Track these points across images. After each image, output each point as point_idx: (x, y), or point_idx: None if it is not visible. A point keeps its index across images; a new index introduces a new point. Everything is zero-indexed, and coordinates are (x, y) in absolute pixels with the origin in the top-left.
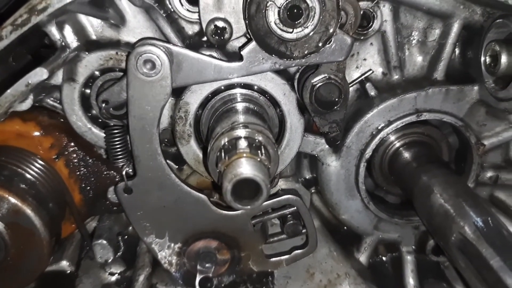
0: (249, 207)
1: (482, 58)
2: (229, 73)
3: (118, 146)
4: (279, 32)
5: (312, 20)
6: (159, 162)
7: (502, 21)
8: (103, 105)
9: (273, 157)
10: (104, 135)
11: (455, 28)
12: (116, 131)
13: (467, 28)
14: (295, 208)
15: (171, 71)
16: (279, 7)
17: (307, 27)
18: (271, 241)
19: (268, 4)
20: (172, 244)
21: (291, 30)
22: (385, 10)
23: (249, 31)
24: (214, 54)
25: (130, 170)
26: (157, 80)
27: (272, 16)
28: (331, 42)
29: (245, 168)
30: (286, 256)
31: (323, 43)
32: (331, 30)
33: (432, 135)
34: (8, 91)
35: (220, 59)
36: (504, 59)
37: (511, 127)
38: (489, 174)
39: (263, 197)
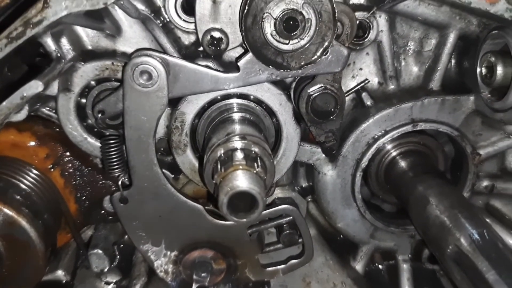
0: (245, 220)
1: (478, 69)
2: (225, 84)
3: (114, 156)
4: (275, 43)
5: (308, 32)
6: (155, 172)
7: (497, 33)
8: (99, 115)
9: (269, 169)
10: (99, 145)
11: (451, 38)
12: (112, 141)
13: (463, 38)
14: (291, 217)
15: (168, 82)
16: (275, 19)
17: (303, 39)
18: (267, 251)
19: (264, 16)
20: (168, 253)
21: (287, 41)
22: (381, 21)
23: (245, 42)
24: (211, 64)
25: (126, 180)
26: (153, 91)
27: (268, 28)
28: (328, 54)
29: (241, 181)
30: (283, 266)
31: (320, 54)
32: (327, 41)
33: (428, 145)
34: (4, 103)
35: (217, 70)
36: (499, 70)
37: (506, 137)
38: (485, 183)
39: (259, 210)
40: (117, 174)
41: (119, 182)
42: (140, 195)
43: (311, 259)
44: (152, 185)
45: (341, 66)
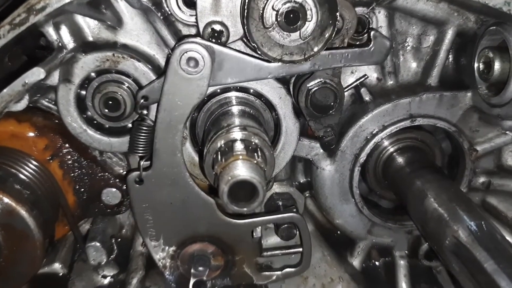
0: (245, 209)
1: (476, 65)
2: (268, 73)
3: (142, 137)
4: (276, 36)
5: (309, 25)
6: (178, 159)
7: (495, 29)
8: (142, 101)
9: (269, 160)
10: (99, 136)
11: (449, 35)
12: (145, 123)
13: (461, 35)
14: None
15: (212, 71)
16: (276, 11)
17: (304, 32)
18: (265, 255)
19: (265, 9)
20: (167, 247)
21: (288, 34)
22: (380, 16)
23: (246, 35)
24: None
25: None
26: (196, 79)
27: (270, 20)
28: (371, 45)
29: (242, 170)
30: (278, 272)
31: (320, 48)
32: (327, 35)
33: (426, 141)
34: (5, 90)
35: (261, 59)
36: (497, 65)
37: (503, 133)
38: (482, 179)
39: (259, 199)
40: (140, 155)
41: (141, 163)
42: (158, 179)
43: (307, 269)
44: (172, 171)
45: (384, 57)
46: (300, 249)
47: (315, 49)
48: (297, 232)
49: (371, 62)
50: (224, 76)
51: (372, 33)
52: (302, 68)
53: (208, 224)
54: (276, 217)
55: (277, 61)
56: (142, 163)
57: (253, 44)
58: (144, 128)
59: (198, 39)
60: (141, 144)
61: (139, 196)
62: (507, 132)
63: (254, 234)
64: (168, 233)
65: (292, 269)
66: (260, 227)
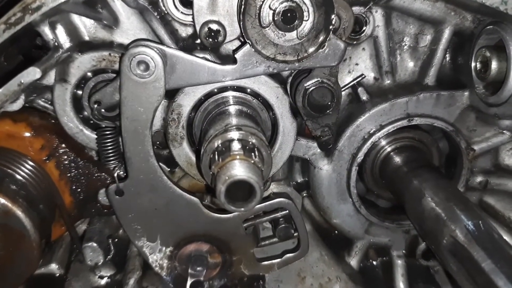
0: (242, 209)
1: (473, 64)
2: (222, 76)
3: (110, 147)
4: (273, 36)
5: (306, 24)
6: (151, 164)
7: (492, 28)
8: (95, 106)
9: (266, 160)
10: (95, 136)
11: (446, 34)
12: (108, 132)
13: (458, 34)
14: (287, 211)
15: (165, 73)
16: (273, 11)
17: (300, 31)
18: (262, 245)
19: (262, 8)
20: (164, 248)
21: (285, 33)
22: (378, 16)
23: (243, 34)
24: (208, 56)
25: (122, 172)
26: (150, 82)
27: (266, 20)
28: (325, 47)
29: (239, 170)
30: (278, 260)
31: (316, 47)
32: (324, 35)
33: (423, 140)
34: (0, 90)
35: (214, 62)
36: (494, 65)
37: (500, 132)
38: (479, 179)
39: (256, 199)
40: (113, 166)
41: (115, 174)
42: (136, 188)
43: (306, 253)
44: (148, 177)
45: (338, 60)
46: (296, 234)
47: (310, 50)
48: (294, 231)
49: (326, 65)
50: (177, 79)
51: None
52: (256, 70)
53: (197, 223)
54: (264, 205)
55: (270, 60)
56: (116, 174)
57: (248, 41)
58: (109, 136)
59: (145, 42)
60: (111, 154)
61: (123, 207)
62: (504, 131)
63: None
64: (160, 237)
65: (292, 254)
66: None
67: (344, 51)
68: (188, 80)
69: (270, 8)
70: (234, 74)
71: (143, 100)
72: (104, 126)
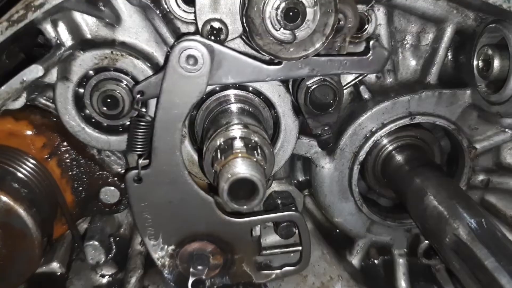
0: (245, 207)
1: (475, 62)
2: (267, 75)
3: (140, 135)
4: (276, 33)
5: (309, 22)
6: (177, 157)
7: (494, 26)
8: (138, 96)
9: (268, 158)
10: (97, 135)
11: (448, 32)
12: (143, 120)
13: (460, 32)
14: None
15: (211, 69)
16: (276, 9)
17: (303, 29)
18: (264, 254)
19: (265, 6)
20: (166, 246)
21: (288, 31)
22: (380, 14)
23: (245, 32)
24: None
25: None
26: (195, 77)
27: (269, 18)
28: (370, 55)
29: (242, 168)
30: (277, 271)
31: (319, 46)
32: (327, 33)
33: (425, 139)
34: (2, 88)
35: (261, 60)
36: (496, 63)
37: (502, 131)
38: (481, 177)
39: (259, 197)
40: (139, 153)
41: (139, 161)
42: (156, 177)
43: (306, 268)
44: (171, 169)
45: (382, 66)
46: (299, 248)
47: (312, 49)
48: (296, 230)
49: (369, 71)
50: (222, 76)
51: (371, 42)
52: (300, 72)
53: (207, 222)
54: (275, 215)
55: (273, 57)
56: (140, 161)
57: (251, 40)
58: (142, 125)
59: (198, 37)
60: (140, 142)
61: (138, 195)
62: (506, 130)
63: (253, 232)
64: (167, 231)
65: (291, 268)
66: (259, 225)
67: (387, 59)
68: (233, 77)
69: (273, 5)
70: (278, 74)
71: (183, 94)
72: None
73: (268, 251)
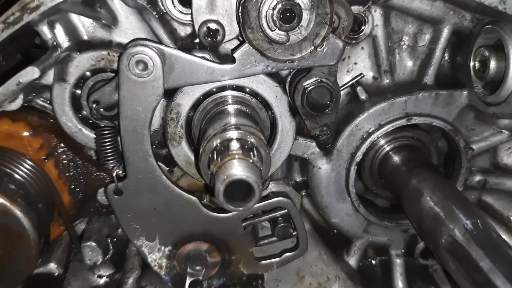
0: (241, 208)
1: (471, 63)
2: (221, 75)
3: (108, 147)
4: (272, 35)
5: (305, 23)
6: (150, 164)
7: (491, 27)
8: (94, 105)
9: (265, 159)
10: (94, 136)
11: (445, 33)
12: (106, 132)
13: (457, 33)
14: (286, 210)
15: (163, 72)
16: (272, 10)
17: (299, 30)
18: (261, 244)
19: (261, 7)
20: (163, 247)
21: (284, 33)
22: (376, 15)
23: (242, 34)
24: (207, 56)
25: (121, 172)
26: (149, 81)
27: (265, 19)
28: (323, 46)
29: (238, 169)
30: (277, 259)
31: (315, 46)
32: (323, 34)
33: (422, 139)
34: None
35: (213, 61)
36: (493, 64)
37: (499, 131)
38: (477, 178)
39: (255, 199)
40: (112, 166)
41: (114, 174)
42: (135, 187)
43: (305, 252)
44: (147, 176)
45: (337, 59)
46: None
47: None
48: (293, 230)
49: (325, 64)
50: (176, 79)
51: None
52: (254, 69)
53: (195, 222)
54: (262, 204)
55: (269, 59)
56: (115, 173)
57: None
58: (107, 137)
59: (143, 42)
60: (109, 155)
61: (121, 207)
62: (502, 130)
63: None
64: (160, 236)
65: (291, 253)
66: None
67: (342, 50)
68: (187, 80)
69: (270, 6)
70: (233, 73)
71: (141, 100)
72: (103, 125)
73: (265, 241)
